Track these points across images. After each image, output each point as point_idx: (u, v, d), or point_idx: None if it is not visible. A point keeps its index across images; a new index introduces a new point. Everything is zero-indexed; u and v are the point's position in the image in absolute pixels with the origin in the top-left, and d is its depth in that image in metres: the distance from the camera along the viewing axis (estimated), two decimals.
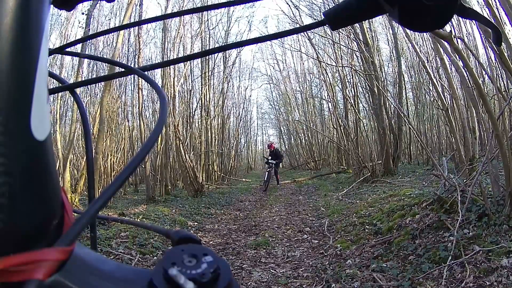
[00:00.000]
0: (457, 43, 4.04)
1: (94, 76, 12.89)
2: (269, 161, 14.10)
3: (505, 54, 3.67)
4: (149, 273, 0.29)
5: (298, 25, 15.10)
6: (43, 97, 0.27)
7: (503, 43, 3.83)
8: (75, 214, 0.33)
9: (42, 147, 0.27)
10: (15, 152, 0.24)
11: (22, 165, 0.25)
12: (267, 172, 13.52)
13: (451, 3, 0.36)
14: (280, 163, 16.15)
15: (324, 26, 0.44)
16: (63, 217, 0.31)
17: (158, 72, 11.95)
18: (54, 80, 0.51)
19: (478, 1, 8.43)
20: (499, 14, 4.72)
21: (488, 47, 6.71)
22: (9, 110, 0.24)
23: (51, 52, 0.50)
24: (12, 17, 0.24)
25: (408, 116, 15.19)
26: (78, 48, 9.02)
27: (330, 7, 0.43)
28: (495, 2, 4.75)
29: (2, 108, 0.23)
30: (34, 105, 0.26)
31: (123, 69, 0.47)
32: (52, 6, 0.40)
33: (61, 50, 0.53)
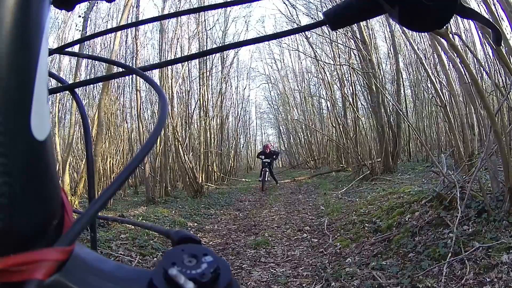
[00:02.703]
0: (454, 39, 4.04)
1: (92, 76, 12.84)
2: (263, 160, 13.76)
3: (503, 50, 3.67)
4: (149, 273, 0.29)
5: (295, 25, 15.12)
6: (43, 97, 0.27)
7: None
8: (75, 214, 0.33)
9: (42, 147, 0.27)
10: (15, 152, 0.24)
11: (22, 165, 0.25)
12: (262, 172, 13.33)
13: (451, 3, 0.36)
14: (274, 161, 15.50)
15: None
16: (63, 217, 0.31)
17: (156, 73, 11.94)
18: (54, 81, 0.51)
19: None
20: (496, 11, 4.73)
21: (485, 43, 6.72)
22: (9, 110, 0.24)
23: (51, 52, 0.50)
24: (12, 17, 0.24)
25: (406, 113, 15.21)
26: (75, 49, 9.01)
27: (329, 6, 0.43)
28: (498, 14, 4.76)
29: (2, 108, 0.23)
30: (34, 105, 0.26)
31: (123, 69, 0.47)
32: (52, 6, 0.40)
33: (61, 50, 0.53)
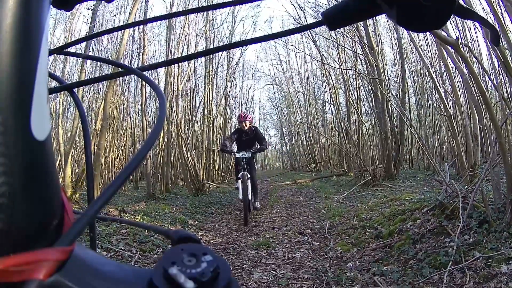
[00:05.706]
0: (464, 50, 4.03)
1: (98, 71, 12.97)
2: (239, 155, 6.95)
3: (510, 62, 3.65)
4: (149, 272, 0.30)
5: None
6: (43, 97, 0.27)
7: (507, 50, 3.82)
8: (75, 214, 0.33)
9: (42, 147, 0.27)
10: (15, 152, 0.24)
11: (22, 165, 0.25)
12: (240, 182, 6.55)
13: (449, 3, 0.36)
14: (259, 153, 7.56)
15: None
16: (63, 217, 0.31)
17: (161, 69, 11.96)
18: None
19: (483, 9, 8.36)
20: (504, 22, 4.71)
21: (492, 54, 6.70)
22: (9, 110, 0.24)
23: (51, 52, 0.50)
24: (12, 17, 0.24)
25: (410, 121, 15.15)
26: (82, 43, 9.02)
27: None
28: (501, 11, 4.74)
29: (2, 108, 0.24)
30: (34, 105, 0.26)
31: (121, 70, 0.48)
32: (51, 6, 0.40)
33: (61, 50, 0.53)
